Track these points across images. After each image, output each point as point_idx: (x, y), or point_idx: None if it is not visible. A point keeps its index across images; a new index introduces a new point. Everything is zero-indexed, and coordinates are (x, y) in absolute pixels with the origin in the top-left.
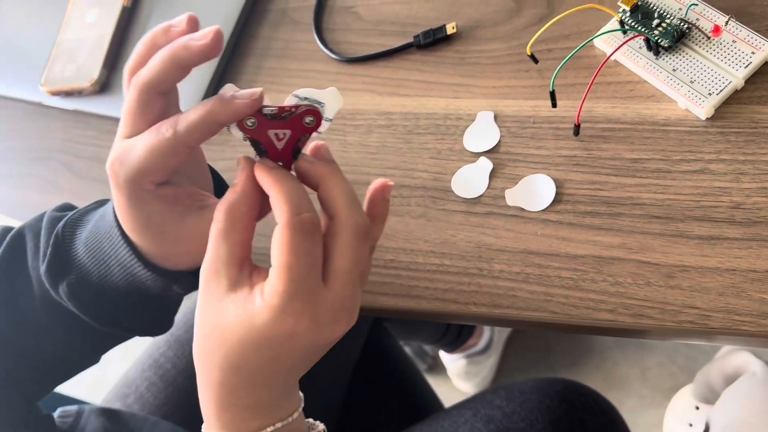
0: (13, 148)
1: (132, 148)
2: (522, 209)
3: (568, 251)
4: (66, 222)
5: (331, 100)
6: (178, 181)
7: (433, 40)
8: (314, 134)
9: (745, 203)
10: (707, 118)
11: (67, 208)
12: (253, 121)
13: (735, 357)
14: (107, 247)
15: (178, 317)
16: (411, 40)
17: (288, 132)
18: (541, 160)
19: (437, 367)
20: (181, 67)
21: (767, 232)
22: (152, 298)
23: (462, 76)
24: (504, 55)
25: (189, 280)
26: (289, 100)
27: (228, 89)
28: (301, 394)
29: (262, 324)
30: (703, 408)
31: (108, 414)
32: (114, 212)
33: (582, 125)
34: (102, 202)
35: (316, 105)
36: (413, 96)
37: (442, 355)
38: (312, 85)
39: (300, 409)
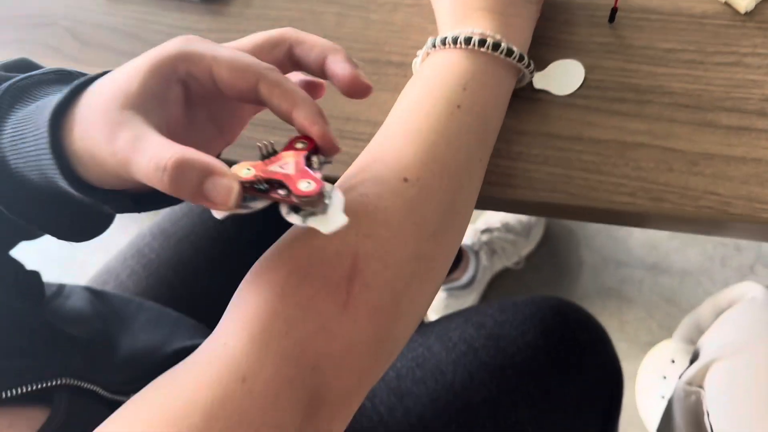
0: (13, 14)
1: (220, 45)
2: (548, 93)
3: (592, 135)
4: (8, 87)
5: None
6: (201, 126)
7: None
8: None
9: None
10: (746, 13)
11: (23, 65)
12: (248, 170)
13: (731, 290)
14: (30, 144)
15: (165, 210)
16: None
17: (289, 159)
18: (572, 46)
19: None
20: (319, 64)
21: None
22: (75, 205)
23: None
24: None
25: (122, 203)
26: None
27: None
28: None
29: None
30: (680, 362)
31: (92, 290)
32: (54, 108)
33: (618, 14)
34: (61, 73)
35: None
36: None
37: None
38: None
39: None
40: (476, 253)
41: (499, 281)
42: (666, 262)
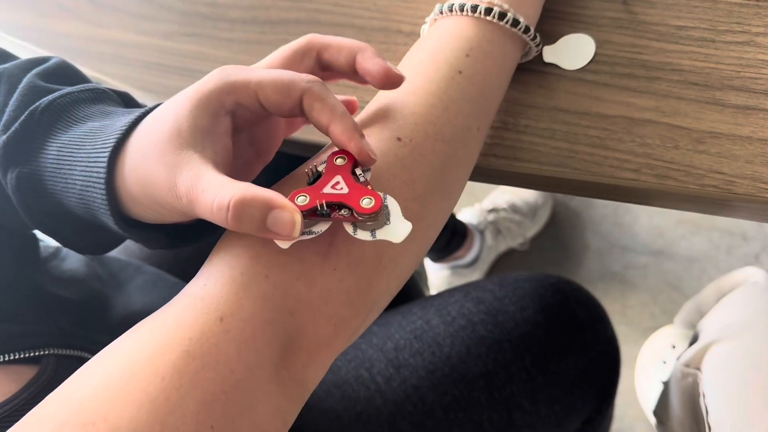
0: None
1: (257, 68)
2: (558, 67)
3: (599, 111)
4: (48, 105)
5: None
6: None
7: None
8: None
9: None
10: None
11: (61, 71)
12: (304, 197)
13: (733, 274)
14: (79, 175)
15: None
16: None
17: (339, 179)
18: (583, 20)
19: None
20: (350, 64)
21: None
22: (108, 234)
23: None
24: None
25: (156, 241)
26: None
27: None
28: None
29: None
30: (680, 347)
31: None
32: (112, 150)
33: None
34: (96, 91)
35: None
36: None
37: (426, 263)
38: None
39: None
40: (481, 233)
41: (504, 262)
42: (671, 249)
